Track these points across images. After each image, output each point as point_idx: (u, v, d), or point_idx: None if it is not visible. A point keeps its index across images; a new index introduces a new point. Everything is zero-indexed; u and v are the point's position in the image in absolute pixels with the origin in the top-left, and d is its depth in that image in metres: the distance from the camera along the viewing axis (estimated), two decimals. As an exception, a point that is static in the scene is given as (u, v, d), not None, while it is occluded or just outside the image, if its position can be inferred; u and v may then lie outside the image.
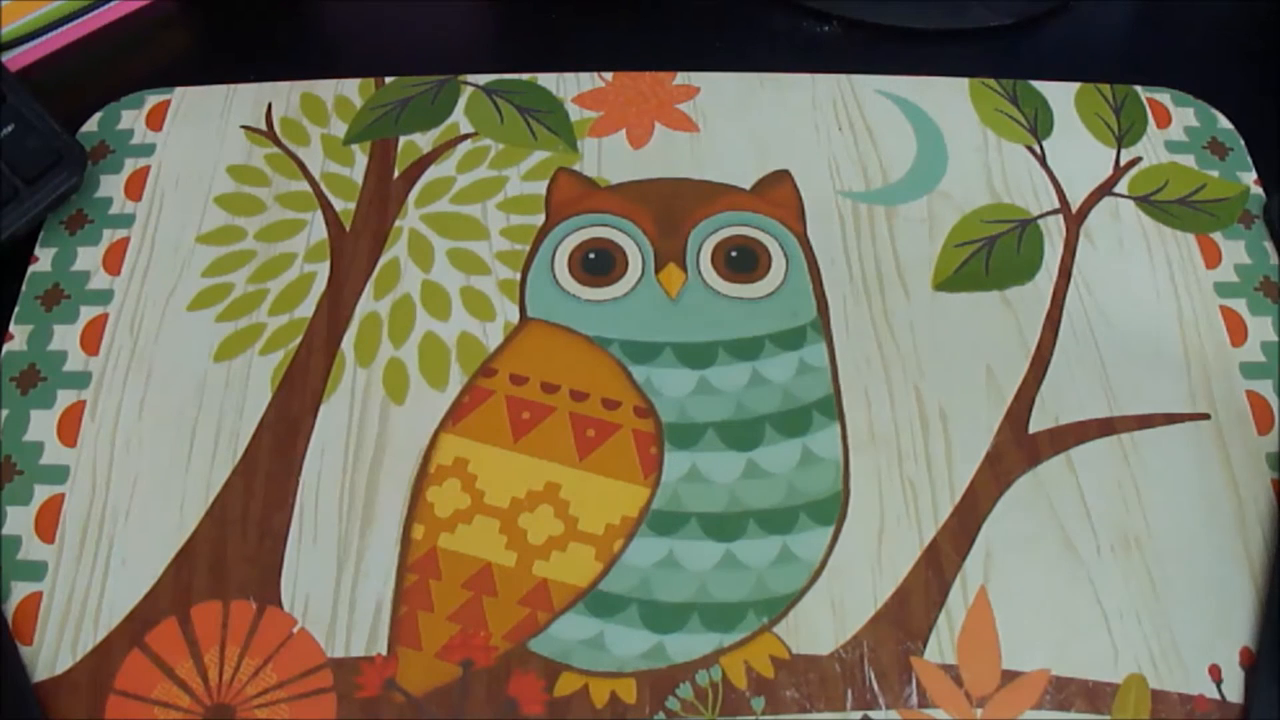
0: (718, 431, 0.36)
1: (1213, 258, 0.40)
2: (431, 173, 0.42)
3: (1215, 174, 0.42)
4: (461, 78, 0.44)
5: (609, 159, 0.42)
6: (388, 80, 0.44)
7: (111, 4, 0.47)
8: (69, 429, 0.36)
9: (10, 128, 0.39)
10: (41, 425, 0.36)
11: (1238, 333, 0.39)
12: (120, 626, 0.32)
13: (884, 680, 0.32)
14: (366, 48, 0.47)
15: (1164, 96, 0.45)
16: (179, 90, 0.44)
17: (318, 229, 0.40)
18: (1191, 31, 0.49)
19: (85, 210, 0.41)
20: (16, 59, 0.45)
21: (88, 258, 0.40)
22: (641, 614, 0.33)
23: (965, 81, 0.45)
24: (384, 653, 0.32)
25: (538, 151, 0.42)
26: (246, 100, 0.44)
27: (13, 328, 0.38)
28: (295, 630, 0.32)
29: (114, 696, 0.31)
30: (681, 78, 0.44)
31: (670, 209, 0.40)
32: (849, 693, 0.32)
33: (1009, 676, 0.32)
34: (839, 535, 0.34)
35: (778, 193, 0.41)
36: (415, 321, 0.38)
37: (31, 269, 0.39)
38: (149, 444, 0.36)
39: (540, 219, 0.40)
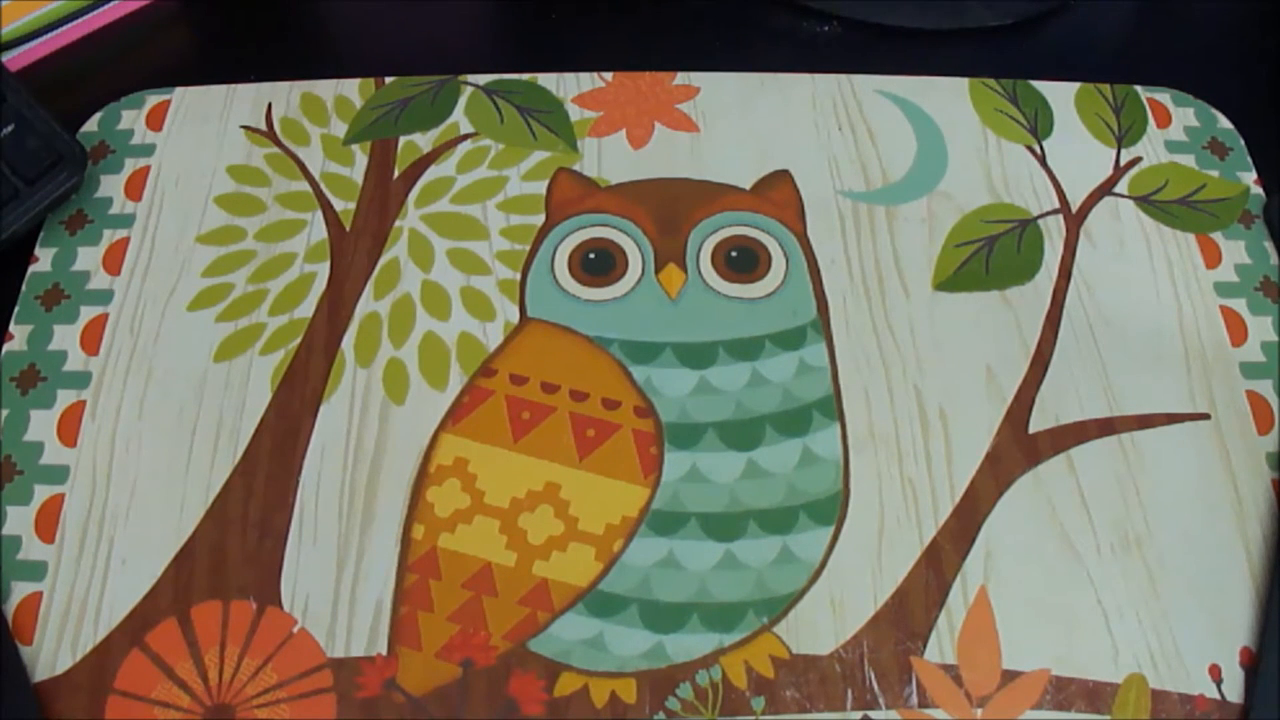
0: (718, 431, 0.36)
1: (1213, 258, 0.40)
2: (431, 173, 0.42)
3: (1215, 174, 0.42)
4: (461, 78, 0.44)
5: (609, 159, 0.42)
6: (388, 80, 0.44)
7: (111, 4, 0.47)
8: (69, 429, 0.36)
9: (10, 128, 0.39)
10: (41, 425, 0.36)
11: (1238, 333, 0.39)
12: (120, 626, 0.32)
13: (884, 680, 0.32)
14: (366, 48, 0.47)
15: (1164, 96, 0.45)
16: (179, 90, 0.44)
17: (318, 229, 0.40)
18: (1191, 31, 0.49)
19: (85, 210, 0.41)
20: (16, 59, 0.45)
21: (88, 258, 0.40)
22: (641, 614, 0.33)
23: (965, 81, 0.45)
24: (384, 653, 0.32)
25: (538, 151, 0.42)
26: (246, 100, 0.44)
27: (13, 328, 0.38)
28: (295, 630, 0.32)
29: (114, 696, 0.31)
30: (681, 78, 0.44)
31: (670, 209, 0.40)
32: (849, 693, 0.32)
33: (1009, 676, 0.32)
34: (839, 535, 0.34)
35: (778, 193, 0.41)
36: (415, 321, 0.38)
37: (31, 269, 0.39)
38: (149, 444, 0.36)
39: (540, 219, 0.40)
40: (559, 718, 0.31)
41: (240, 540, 0.34)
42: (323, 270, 0.39)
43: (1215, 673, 0.32)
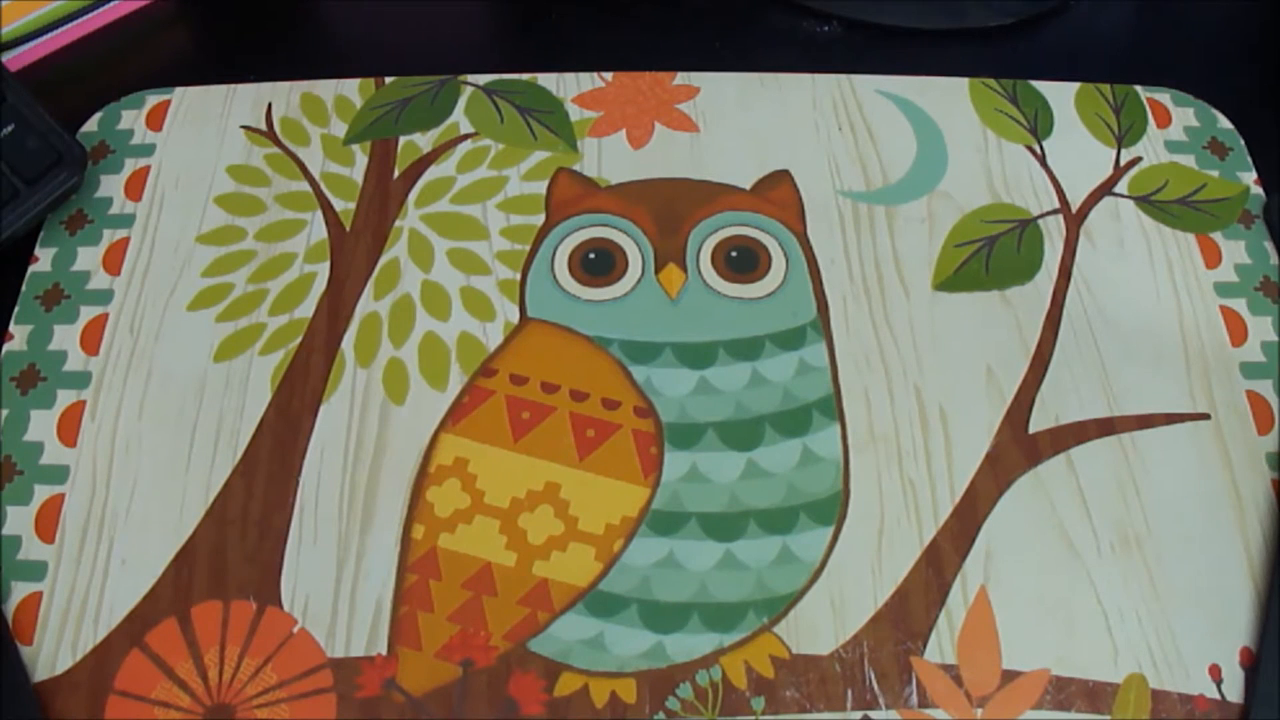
0: (718, 431, 0.36)
1: (1213, 258, 0.40)
2: (431, 173, 0.42)
3: (1215, 174, 0.42)
4: (461, 78, 0.44)
5: (609, 159, 0.42)
6: (388, 80, 0.44)
7: (111, 4, 0.47)
8: (69, 429, 0.36)
9: (10, 128, 0.39)
10: (41, 425, 0.36)
11: (1238, 333, 0.39)
12: (120, 626, 0.32)
13: (884, 680, 0.32)
14: (366, 48, 0.47)
15: (1164, 96, 0.45)
16: (179, 90, 0.44)
17: (318, 229, 0.40)
18: (1191, 31, 0.49)
19: (85, 210, 0.41)
20: (16, 59, 0.45)
21: (88, 258, 0.40)
22: (641, 614, 0.33)
23: (965, 81, 0.45)
24: (384, 653, 0.32)
25: (538, 151, 0.42)
26: (246, 100, 0.44)
27: (13, 328, 0.38)
28: (295, 630, 0.32)
29: (114, 696, 0.31)
30: (681, 78, 0.44)
31: (670, 209, 0.40)
32: (849, 693, 0.32)
33: (1009, 676, 0.32)
34: (839, 535, 0.34)
35: (778, 193, 0.41)
36: (415, 321, 0.38)
37: (31, 269, 0.39)
38: (149, 444, 0.36)
39: (540, 219, 0.40)
40: (559, 718, 0.31)
41: (240, 540, 0.34)
42: (323, 270, 0.39)
43: (1215, 673, 0.32)
